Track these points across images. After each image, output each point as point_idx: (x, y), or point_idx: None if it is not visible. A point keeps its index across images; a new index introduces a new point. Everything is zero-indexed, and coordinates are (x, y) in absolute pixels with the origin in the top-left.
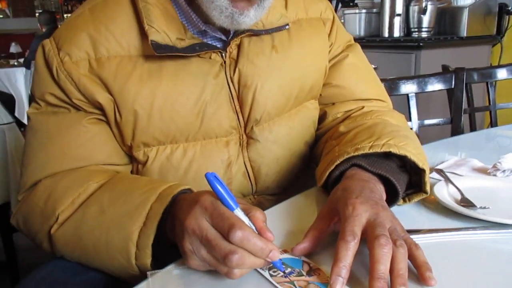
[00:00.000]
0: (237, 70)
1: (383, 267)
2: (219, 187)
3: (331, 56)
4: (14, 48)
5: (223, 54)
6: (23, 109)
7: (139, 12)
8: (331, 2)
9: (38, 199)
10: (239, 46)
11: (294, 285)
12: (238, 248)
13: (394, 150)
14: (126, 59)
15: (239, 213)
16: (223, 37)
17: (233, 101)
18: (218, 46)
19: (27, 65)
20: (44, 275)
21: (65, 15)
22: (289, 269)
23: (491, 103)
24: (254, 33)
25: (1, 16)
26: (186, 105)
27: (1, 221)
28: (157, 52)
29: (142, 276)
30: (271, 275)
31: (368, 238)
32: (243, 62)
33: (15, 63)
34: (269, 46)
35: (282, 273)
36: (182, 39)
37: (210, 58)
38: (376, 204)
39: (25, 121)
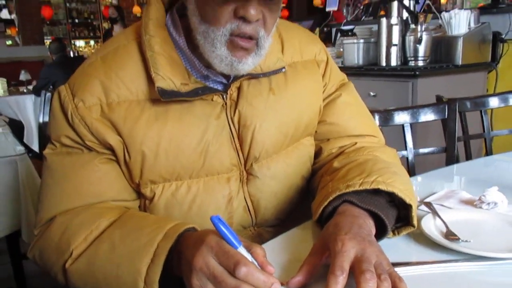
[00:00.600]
0: (237, 111)
1: None
2: (223, 228)
3: (325, 95)
4: (23, 76)
5: (224, 96)
6: (31, 136)
7: (146, 60)
8: (331, 31)
9: (54, 235)
10: (239, 89)
11: None
12: (243, 283)
13: (382, 187)
14: (134, 103)
15: (242, 250)
16: (224, 81)
17: (234, 140)
18: (220, 88)
19: (36, 92)
20: None
21: (72, 41)
22: None
23: (485, 131)
24: (253, 76)
25: (11, 43)
26: (190, 145)
27: (12, 248)
28: (163, 98)
29: None
30: None
31: (355, 273)
32: (243, 104)
33: (25, 90)
34: (266, 89)
35: None
36: (186, 83)
37: (212, 100)
38: (364, 240)
39: (33, 147)
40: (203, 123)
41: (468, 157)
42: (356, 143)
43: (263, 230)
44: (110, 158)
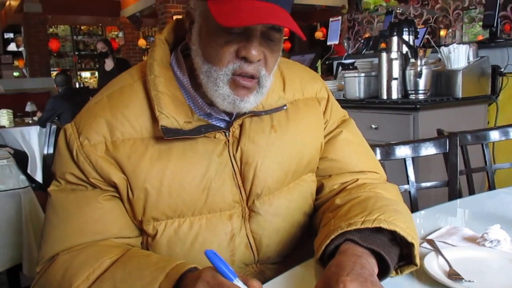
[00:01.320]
0: (239, 148)
1: None
2: (218, 263)
3: (326, 132)
4: (29, 107)
5: (227, 133)
6: (35, 167)
7: (151, 99)
8: (332, 64)
9: (56, 273)
10: (241, 126)
11: None
12: None
13: (384, 225)
14: (139, 141)
15: (238, 282)
16: (227, 118)
17: (236, 177)
18: (222, 126)
19: (41, 124)
20: None
21: (78, 72)
22: None
23: (487, 164)
24: (255, 114)
25: (19, 74)
26: (193, 182)
27: (12, 281)
28: (166, 136)
29: None
30: None
31: None
32: (245, 141)
33: (30, 121)
34: (268, 126)
35: None
36: (189, 121)
37: (215, 137)
38: (366, 281)
39: (37, 177)
40: (205, 160)
41: (471, 190)
42: (357, 179)
43: (265, 267)
44: (113, 195)
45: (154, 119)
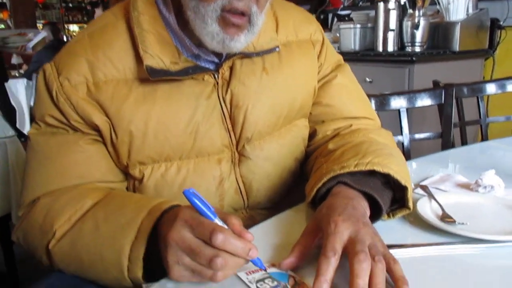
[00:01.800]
0: (229, 91)
1: (361, 282)
2: (197, 201)
3: (320, 77)
4: (15, 60)
5: (216, 76)
6: (23, 120)
7: (135, 38)
8: (327, 17)
9: (38, 216)
10: (231, 68)
11: None
12: (221, 251)
13: (377, 168)
14: (122, 82)
15: (218, 222)
16: (216, 60)
17: (225, 120)
18: (211, 68)
19: (28, 76)
20: None
21: (65, 25)
22: (275, 283)
23: (481, 117)
24: (246, 55)
25: (3, 27)
26: (179, 125)
27: (2, 232)
28: (151, 77)
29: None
30: None
31: (348, 254)
32: (235, 84)
33: (16, 74)
34: (260, 68)
35: (268, 286)
36: (176, 62)
37: (203, 79)
38: (358, 221)
39: (25, 131)
40: (193, 102)
41: (464, 143)
42: (351, 125)
43: (255, 213)
44: (96, 139)
45: (139, 59)
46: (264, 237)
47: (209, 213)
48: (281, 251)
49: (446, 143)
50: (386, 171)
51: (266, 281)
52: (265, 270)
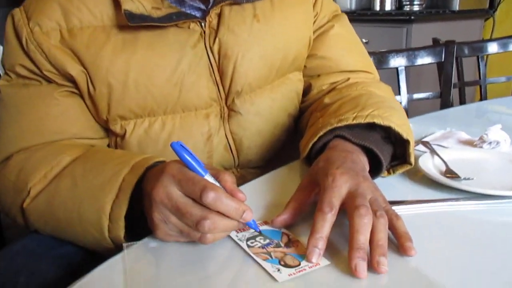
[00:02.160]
0: (217, 39)
1: (362, 237)
2: (186, 156)
3: (316, 27)
4: None
5: (203, 24)
6: None
7: None
8: None
9: (10, 174)
10: (219, 15)
11: (271, 256)
12: (210, 212)
13: (378, 121)
14: (99, 30)
15: (209, 178)
16: (202, 6)
17: (213, 72)
18: (197, 15)
19: None
20: (19, 249)
21: None
22: (267, 240)
23: (481, 77)
24: (235, 1)
25: None
26: (163, 75)
27: None
28: (131, 22)
29: (117, 249)
30: (248, 246)
31: (348, 209)
32: (224, 32)
33: None
34: (250, 16)
35: (259, 244)
36: (158, 8)
37: (188, 27)
38: (357, 175)
39: None
40: (177, 52)
41: (463, 104)
42: (349, 78)
43: (246, 172)
44: (72, 91)
45: (117, 4)
46: (255, 196)
47: (199, 169)
48: (273, 210)
49: (445, 103)
50: (387, 123)
51: (257, 239)
52: (259, 232)
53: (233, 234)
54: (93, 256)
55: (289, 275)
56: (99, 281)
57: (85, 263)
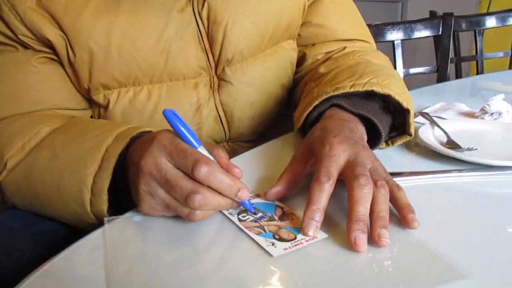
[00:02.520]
0: (205, 4)
1: (362, 209)
2: (179, 125)
3: None
4: None
5: None
6: None
7: None
8: None
9: None
10: None
11: (264, 230)
12: (201, 187)
13: (376, 88)
14: None
15: (203, 151)
16: None
17: (202, 39)
18: None
19: None
20: None
21: None
22: (260, 214)
23: (478, 53)
24: None
25: None
26: (148, 42)
27: None
28: None
29: (100, 224)
30: (239, 220)
31: (346, 179)
32: None
33: None
34: None
35: (252, 218)
36: None
37: None
38: (356, 144)
39: None
40: (163, 16)
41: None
42: (345, 47)
43: (237, 146)
44: (51, 58)
45: None
46: (246, 169)
47: (192, 140)
48: (265, 183)
49: (442, 78)
50: (386, 91)
51: (249, 212)
52: (255, 213)
53: None
54: (78, 233)
55: (284, 249)
56: (76, 257)
57: (68, 240)
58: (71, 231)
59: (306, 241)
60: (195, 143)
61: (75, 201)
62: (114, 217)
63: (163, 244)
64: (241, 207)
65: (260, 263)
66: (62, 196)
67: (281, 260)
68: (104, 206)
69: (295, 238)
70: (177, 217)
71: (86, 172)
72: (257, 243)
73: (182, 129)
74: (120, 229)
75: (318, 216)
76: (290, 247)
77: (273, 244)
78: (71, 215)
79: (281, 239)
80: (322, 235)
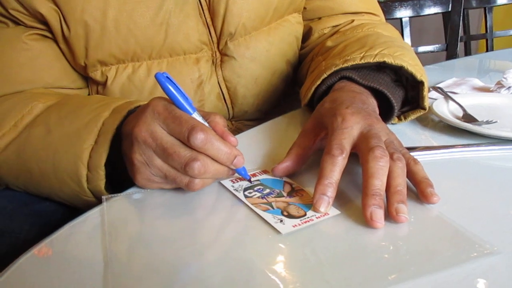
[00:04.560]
0: None
1: (378, 182)
2: (172, 89)
3: None
4: None
5: None
6: None
7: None
8: None
9: None
10: None
11: (272, 206)
12: (200, 154)
13: (389, 60)
14: None
15: (197, 117)
16: None
17: (203, 12)
18: None
19: None
20: None
21: None
22: (267, 190)
23: (488, 31)
24: None
25: None
26: (146, 14)
27: None
28: None
29: (98, 203)
30: (245, 196)
31: (361, 151)
32: None
33: None
34: None
35: (258, 194)
36: None
37: None
38: (370, 115)
39: None
40: None
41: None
42: (353, 20)
43: (242, 125)
44: (43, 35)
45: None
46: (252, 145)
47: (187, 106)
48: (273, 159)
49: (452, 56)
50: (398, 63)
51: (256, 188)
52: (250, 180)
53: (228, 184)
54: (76, 214)
55: (293, 226)
56: (73, 236)
57: (65, 222)
58: (69, 211)
59: (316, 217)
60: (189, 109)
61: (71, 177)
62: (112, 195)
63: (165, 221)
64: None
65: (267, 241)
66: (58, 173)
67: (290, 237)
68: (101, 182)
69: (305, 214)
70: (178, 193)
71: (82, 147)
72: (264, 219)
73: (176, 94)
74: (119, 207)
75: (330, 191)
76: (299, 224)
77: (281, 220)
78: (67, 194)
79: (289, 216)
80: (334, 211)
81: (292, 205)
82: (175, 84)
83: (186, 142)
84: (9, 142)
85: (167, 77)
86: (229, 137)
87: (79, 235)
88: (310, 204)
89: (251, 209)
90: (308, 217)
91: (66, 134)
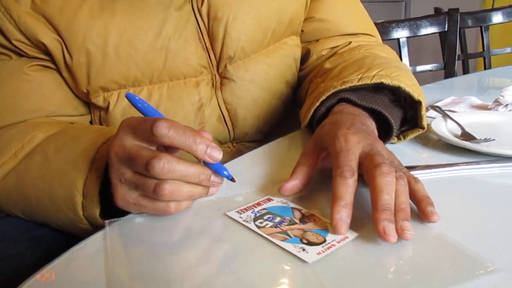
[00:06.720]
0: (205, 0)
1: (388, 197)
2: (141, 101)
3: None
4: None
5: None
6: None
7: None
8: None
9: None
10: None
11: (289, 235)
12: (161, 153)
13: (386, 80)
14: None
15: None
16: None
17: (202, 36)
18: None
19: None
20: None
21: None
22: (278, 218)
23: (485, 49)
24: None
25: None
26: (146, 40)
27: None
28: None
29: (94, 230)
30: (258, 227)
31: (366, 169)
32: None
33: None
34: None
35: (271, 223)
36: None
37: None
38: (370, 135)
39: None
40: (160, 13)
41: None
42: (350, 42)
43: (243, 147)
44: (45, 65)
45: None
46: (252, 168)
47: (155, 113)
48: (273, 183)
49: (450, 74)
50: (396, 83)
51: (265, 217)
52: (233, 180)
53: (236, 216)
54: (76, 239)
55: (317, 253)
56: (76, 261)
57: (66, 246)
58: (70, 237)
59: (338, 242)
60: (159, 115)
61: (66, 205)
62: (115, 219)
63: (167, 247)
64: (253, 208)
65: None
66: (54, 201)
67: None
68: (96, 209)
69: (325, 240)
70: (182, 217)
71: (77, 175)
72: (285, 250)
73: (146, 105)
74: (121, 231)
75: (347, 213)
76: (323, 251)
77: (303, 249)
78: (63, 221)
79: (310, 243)
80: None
81: (309, 232)
82: (144, 101)
83: (151, 136)
84: (9, 170)
85: (135, 96)
86: (202, 132)
87: (82, 259)
88: (326, 228)
89: (266, 239)
90: (329, 243)
91: (63, 163)
